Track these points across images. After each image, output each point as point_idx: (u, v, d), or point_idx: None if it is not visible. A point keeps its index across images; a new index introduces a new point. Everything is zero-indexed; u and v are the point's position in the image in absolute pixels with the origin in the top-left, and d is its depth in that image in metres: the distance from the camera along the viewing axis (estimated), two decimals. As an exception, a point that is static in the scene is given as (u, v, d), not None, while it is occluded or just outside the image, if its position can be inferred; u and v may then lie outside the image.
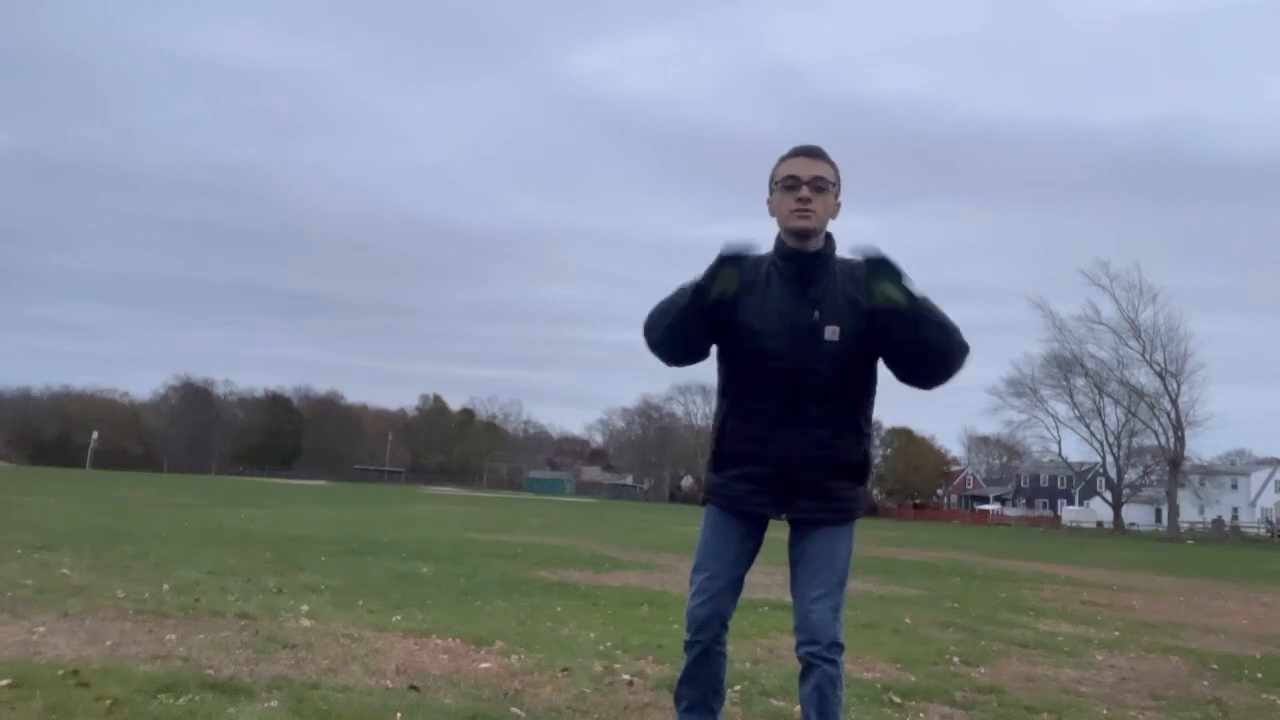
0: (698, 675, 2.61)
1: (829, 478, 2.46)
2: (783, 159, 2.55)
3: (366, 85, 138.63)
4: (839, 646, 2.42)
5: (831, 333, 2.43)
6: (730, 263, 2.41)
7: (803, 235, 2.48)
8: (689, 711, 2.65)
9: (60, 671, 3.26)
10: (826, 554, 2.47)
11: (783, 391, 2.45)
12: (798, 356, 2.43)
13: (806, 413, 2.44)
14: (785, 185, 2.49)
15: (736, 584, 2.59)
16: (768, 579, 9.71)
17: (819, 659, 2.39)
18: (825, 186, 2.47)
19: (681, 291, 2.45)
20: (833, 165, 2.53)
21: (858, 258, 2.44)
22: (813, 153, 2.52)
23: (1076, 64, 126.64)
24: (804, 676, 2.43)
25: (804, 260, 2.49)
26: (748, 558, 2.59)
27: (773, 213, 2.55)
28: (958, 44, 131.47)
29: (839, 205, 2.55)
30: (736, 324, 2.48)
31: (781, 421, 2.45)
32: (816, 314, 2.44)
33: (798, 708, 3.57)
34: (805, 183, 2.46)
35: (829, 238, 2.54)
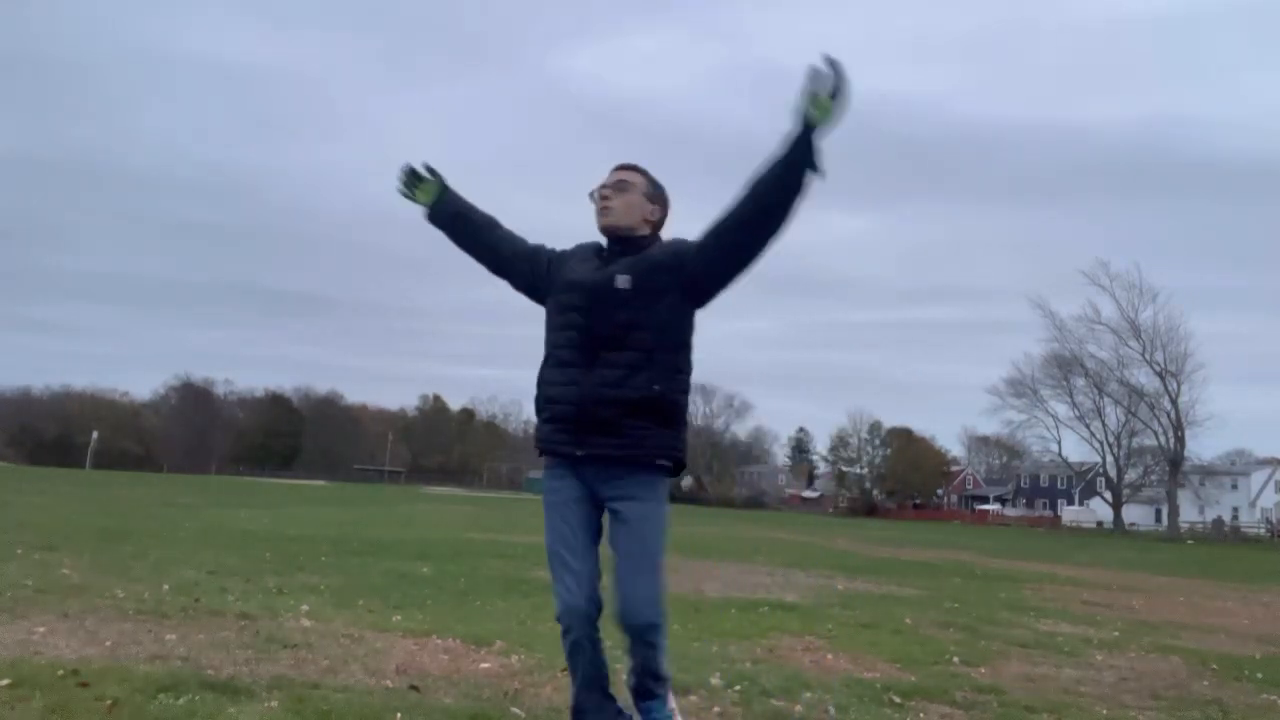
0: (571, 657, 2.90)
1: (620, 414, 2.61)
2: None
3: (364, 85, 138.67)
4: (656, 628, 2.67)
5: (623, 281, 2.65)
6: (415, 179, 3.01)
7: (606, 231, 2.78)
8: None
9: (60, 671, 3.25)
10: (638, 534, 2.72)
11: (579, 337, 2.68)
12: (591, 304, 2.67)
13: (600, 355, 2.64)
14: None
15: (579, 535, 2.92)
16: (768, 579, 9.70)
17: (639, 639, 2.67)
18: (626, 187, 2.77)
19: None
20: (646, 177, 2.82)
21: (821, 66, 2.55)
22: (624, 165, 2.84)
23: (1068, 64, 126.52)
24: (628, 654, 2.72)
25: (614, 241, 2.79)
26: (574, 504, 2.85)
27: None
28: (950, 44, 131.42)
29: (656, 209, 2.82)
30: (551, 286, 2.81)
31: (579, 364, 2.66)
32: (611, 269, 2.70)
33: (798, 707, 3.58)
34: (605, 184, 2.79)
35: (652, 237, 2.80)
